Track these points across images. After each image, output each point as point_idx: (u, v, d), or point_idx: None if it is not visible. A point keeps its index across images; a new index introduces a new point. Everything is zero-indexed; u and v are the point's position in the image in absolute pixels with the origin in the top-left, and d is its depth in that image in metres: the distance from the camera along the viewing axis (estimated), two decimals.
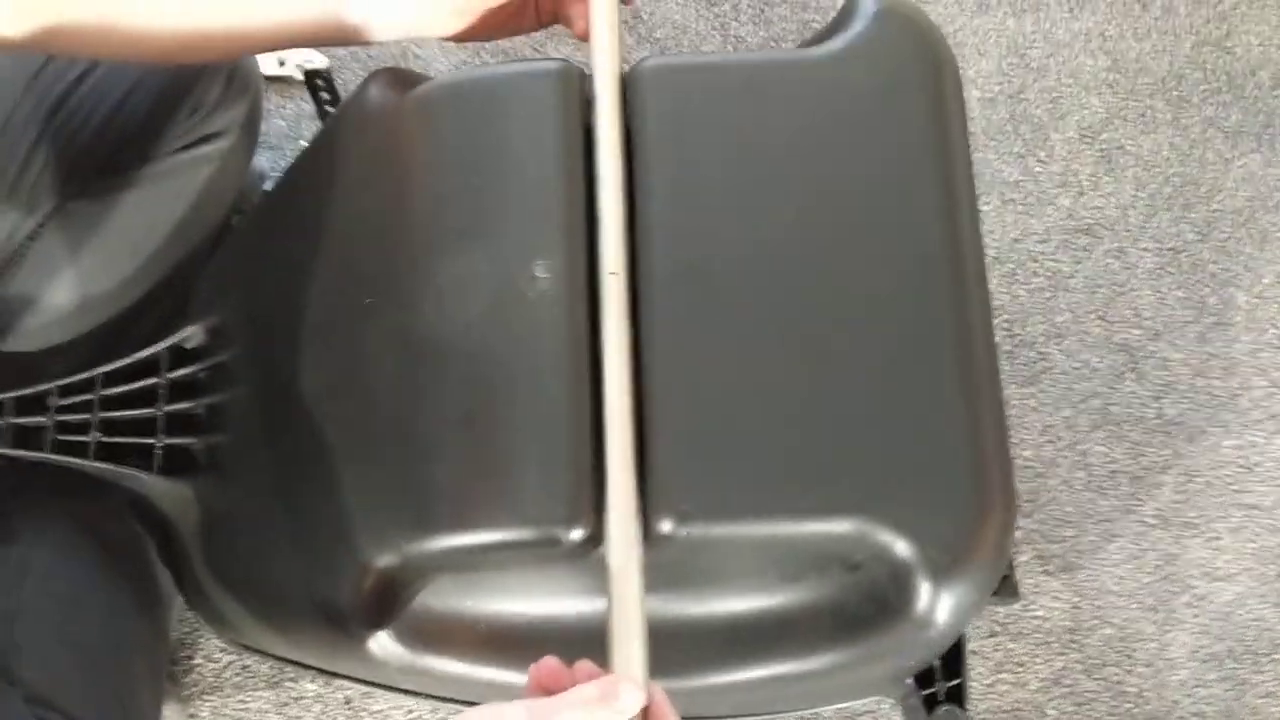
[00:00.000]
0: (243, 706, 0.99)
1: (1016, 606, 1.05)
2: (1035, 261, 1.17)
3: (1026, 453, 1.10)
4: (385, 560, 0.68)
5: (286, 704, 0.99)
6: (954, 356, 0.68)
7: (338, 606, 0.71)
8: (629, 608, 0.60)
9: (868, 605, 0.70)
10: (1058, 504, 1.08)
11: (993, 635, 1.04)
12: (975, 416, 0.67)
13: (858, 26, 0.74)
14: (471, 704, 0.74)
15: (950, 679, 0.88)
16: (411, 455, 0.69)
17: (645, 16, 1.24)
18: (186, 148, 0.92)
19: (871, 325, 0.68)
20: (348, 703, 1.00)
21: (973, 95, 1.22)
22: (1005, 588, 0.96)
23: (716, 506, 0.65)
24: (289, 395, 0.78)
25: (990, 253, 1.16)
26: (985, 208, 1.18)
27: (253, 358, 0.83)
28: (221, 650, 1.00)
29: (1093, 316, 1.15)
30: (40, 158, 0.88)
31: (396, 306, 0.72)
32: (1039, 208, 1.19)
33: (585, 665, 0.58)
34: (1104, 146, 1.21)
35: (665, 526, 0.64)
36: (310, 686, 1.00)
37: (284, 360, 0.79)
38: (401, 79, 0.80)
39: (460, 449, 0.68)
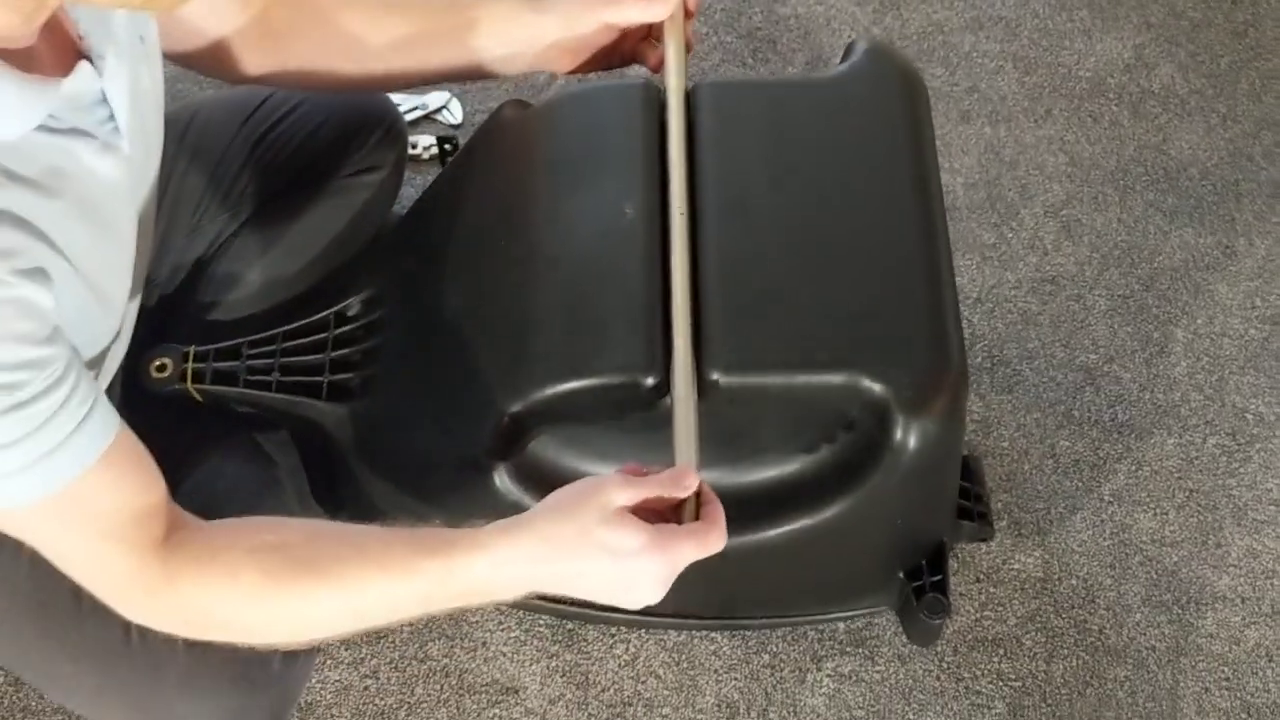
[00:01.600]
0: None
1: (998, 559, 1.27)
2: (1009, 302, 1.44)
3: (1004, 444, 1.35)
4: (514, 405, 0.95)
5: None
6: (922, 267, 0.96)
7: (473, 451, 0.97)
8: (687, 425, 0.86)
9: (862, 454, 0.95)
10: (1030, 484, 1.33)
11: (978, 581, 1.27)
12: (938, 307, 0.94)
13: (855, 59, 1.05)
14: None
15: (934, 575, 1.11)
16: (532, 334, 0.96)
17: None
18: (352, 175, 1.23)
19: (862, 245, 0.97)
20: (452, 618, 1.23)
21: (957, 181, 1.53)
22: (983, 528, 1.21)
23: (749, 362, 0.92)
24: (430, 319, 1.06)
25: (973, 295, 1.44)
26: (968, 262, 1.46)
27: (399, 311, 1.12)
28: None
29: (1057, 344, 1.42)
30: (245, 176, 1.19)
31: (524, 241, 1.01)
32: (1012, 263, 1.47)
33: (657, 468, 0.83)
34: (1064, 220, 1.51)
35: (713, 374, 0.91)
36: None
37: (426, 299, 1.08)
38: (522, 104, 1.11)
39: (569, 326, 0.96)
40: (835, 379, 0.91)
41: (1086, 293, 1.46)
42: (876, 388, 0.91)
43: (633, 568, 0.78)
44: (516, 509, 0.99)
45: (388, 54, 1.06)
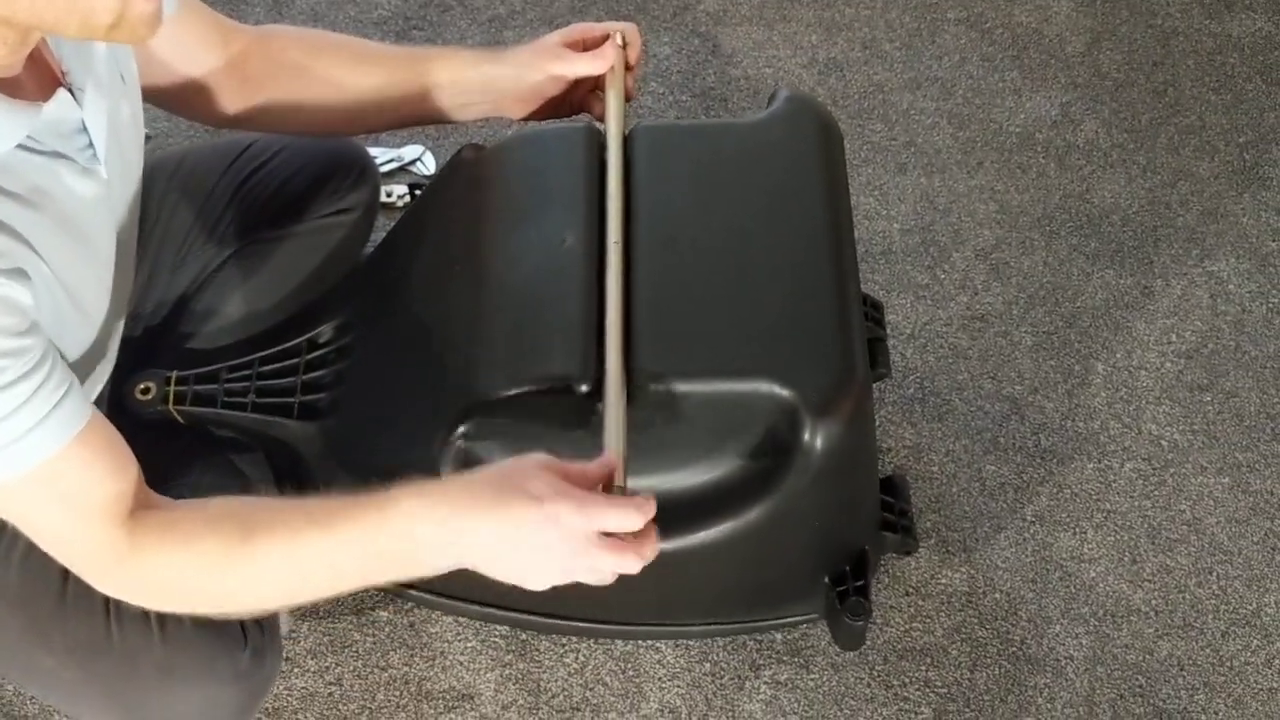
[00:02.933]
0: (332, 626, 1.31)
1: (926, 574, 1.36)
2: (941, 338, 1.55)
3: (934, 468, 1.44)
4: (464, 410, 1.03)
5: (364, 626, 1.31)
6: (831, 290, 1.06)
7: (428, 455, 1.06)
8: (616, 423, 0.96)
9: (777, 458, 1.04)
10: (958, 505, 1.42)
11: (907, 595, 1.35)
12: (844, 324, 1.04)
13: (776, 105, 1.16)
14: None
15: (857, 580, 1.20)
16: (481, 349, 1.06)
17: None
18: (328, 216, 1.33)
19: (777, 270, 1.07)
20: (411, 625, 1.31)
21: (894, 226, 1.64)
22: (906, 540, 1.29)
23: (673, 370, 1.01)
24: (392, 341, 1.16)
25: (905, 330, 1.54)
26: (902, 301, 1.57)
27: (365, 335, 1.22)
28: None
29: (985, 377, 1.52)
30: (229, 215, 1.29)
31: (476, 268, 1.11)
32: (944, 302, 1.58)
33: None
34: (993, 263, 1.61)
35: (641, 381, 1.01)
36: (383, 614, 1.32)
37: (389, 324, 1.18)
38: (478, 148, 1.22)
39: (514, 341, 1.05)
40: (750, 385, 1.01)
41: (1013, 329, 1.56)
42: (786, 393, 1.00)
43: (548, 517, 0.82)
44: None
45: (355, 101, 1.17)
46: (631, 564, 0.85)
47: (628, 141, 1.14)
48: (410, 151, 1.69)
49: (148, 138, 1.71)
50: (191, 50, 1.07)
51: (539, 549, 0.84)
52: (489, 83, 1.15)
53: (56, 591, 1.05)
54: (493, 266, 1.11)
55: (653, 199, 1.10)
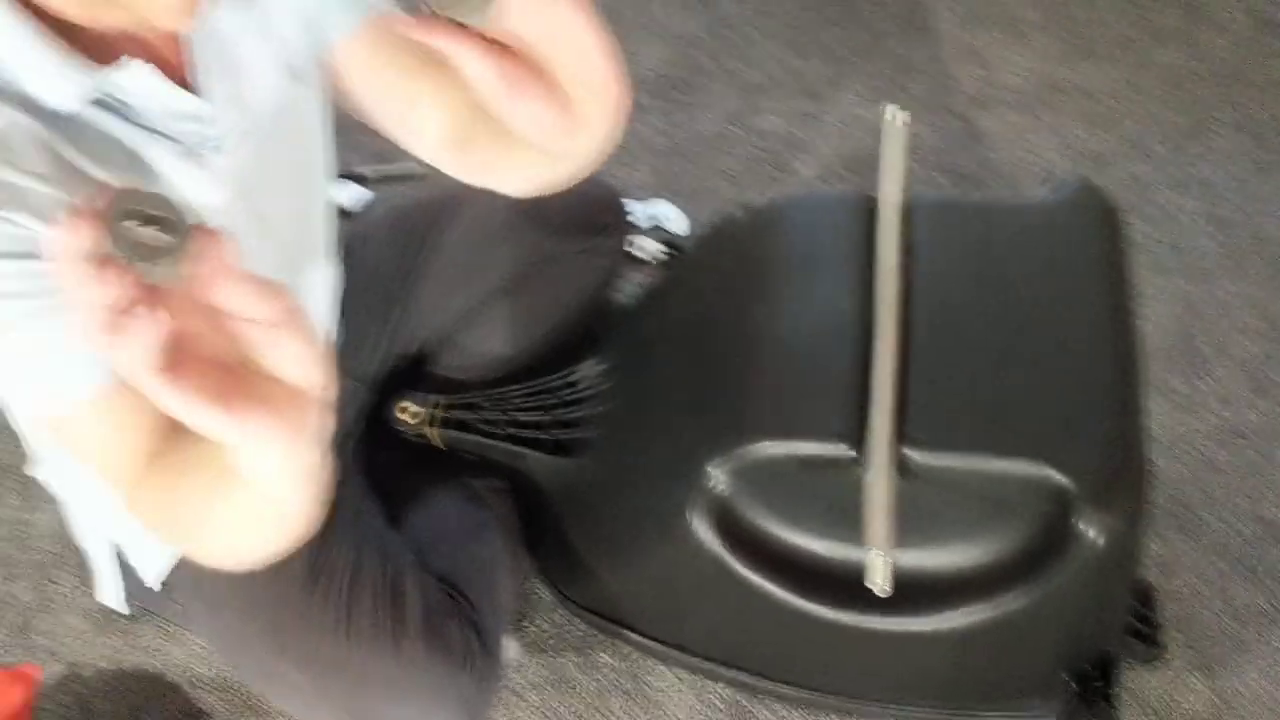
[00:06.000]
0: (554, 661, 1.32)
1: (1166, 696, 1.29)
2: (1196, 450, 1.48)
3: (1181, 585, 1.37)
4: (720, 459, 1.04)
5: (587, 667, 1.32)
6: (1113, 379, 1.03)
7: (678, 502, 1.06)
8: (881, 498, 0.94)
9: (1045, 546, 1.01)
10: (1204, 626, 1.34)
11: (1145, 715, 1.28)
12: (1125, 414, 1.01)
13: (1062, 189, 1.14)
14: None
15: (1102, 682, 1.14)
16: (743, 401, 1.06)
17: None
18: (585, 250, 1.36)
19: (1058, 354, 1.04)
20: (633, 674, 1.31)
21: (1149, 328, 1.58)
22: (1151, 649, 1.23)
23: (943, 442, 0.99)
24: (651, 387, 1.17)
25: (1158, 438, 1.47)
26: (1156, 407, 1.50)
27: (624, 380, 1.24)
28: (545, 619, 1.34)
29: (1240, 495, 1.44)
30: (496, 250, 1.33)
31: (743, 323, 1.12)
32: (1200, 412, 1.51)
33: None
34: (1257, 377, 1.54)
35: (909, 451, 0.99)
36: (606, 657, 1.32)
37: (649, 370, 1.20)
38: (751, 208, 1.23)
39: (777, 399, 1.05)
40: (1024, 467, 0.98)
41: (1275, 449, 1.48)
42: (1063, 479, 0.97)
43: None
44: (714, 562, 1.09)
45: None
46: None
47: (908, 212, 1.13)
48: (659, 208, 1.71)
49: (417, 176, 1.80)
50: (431, 146, 1.00)
51: None
52: None
53: (300, 602, 1.08)
54: (760, 324, 1.11)
55: (931, 272, 1.09)
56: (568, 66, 0.66)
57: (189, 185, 0.86)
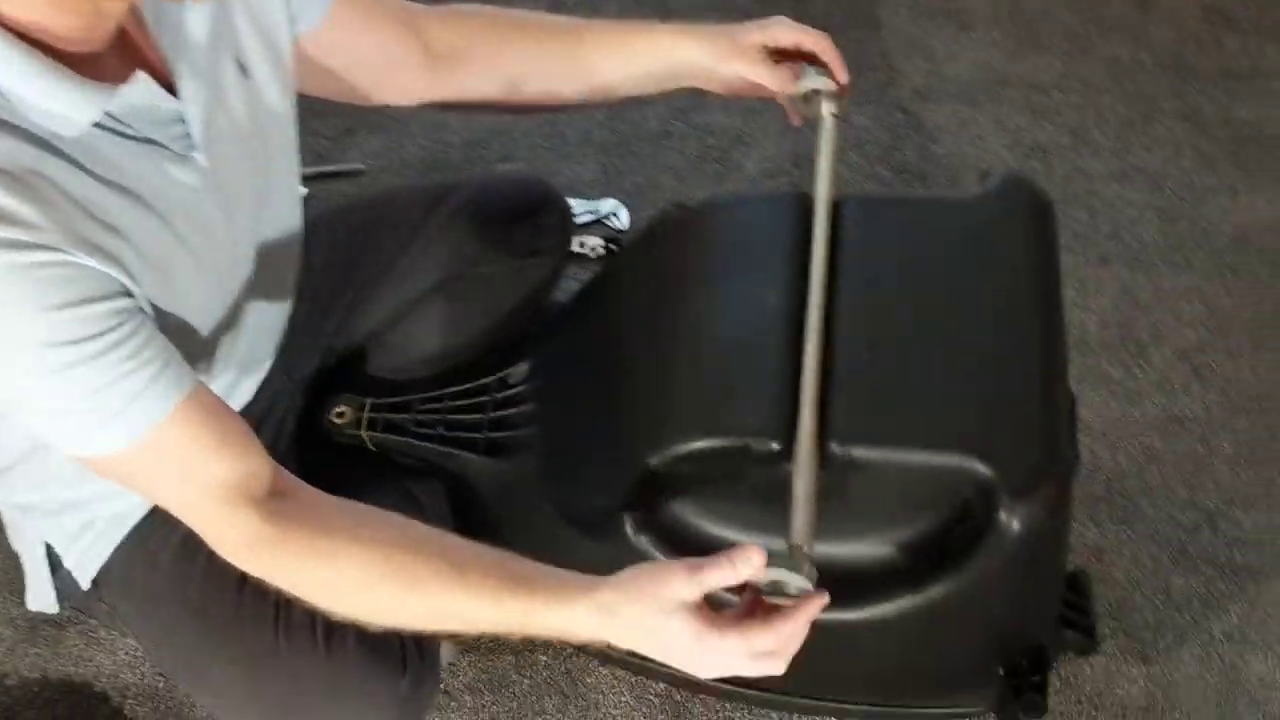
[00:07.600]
0: (491, 663, 1.32)
1: (1102, 684, 1.29)
2: (1134, 438, 1.48)
3: (1117, 573, 1.38)
4: (651, 459, 1.03)
5: (523, 667, 1.31)
6: (1038, 371, 1.03)
7: (610, 503, 1.06)
8: (805, 492, 0.94)
9: (968, 536, 1.01)
10: (1140, 613, 1.35)
11: (1079, 703, 1.29)
12: (1050, 406, 1.01)
13: (992, 184, 1.14)
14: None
15: (1034, 675, 1.15)
16: (672, 399, 1.06)
17: None
18: (525, 255, 1.35)
19: (984, 347, 1.05)
20: (569, 674, 1.31)
21: (1091, 318, 1.59)
22: (1086, 640, 1.24)
23: (867, 436, 0.99)
24: (582, 386, 1.17)
25: (1095, 427, 1.49)
26: (1095, 396, 1.51)
27: (556, 379, 1.23)
28: None
29: (1178, 483, 1.45)
30: (432, 249, 1.32)
31: (673, 320, 1.12)
32: (1139, 401, 1.52)
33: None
34: (1196, 365, 1.55)
35: (834, 445, 0.99)
36: (543, 657, 1.32)
37: (580, 369, 1.19)
38: (684, 207, 1.23)
39: (705, 397, 1.05)
40: (947, 459, 0.98)
41: (1212, 436, 1.49)
42: (985, 470, 0.97)
43: (683, 657, 0.87)
44: (644, 560, 1.08)
45: (547, 76, 1.16)
46: (776, 667, 0.88)
47: (837, 210, 1.13)
48: (606, 205, 1.71)
49: (359, 173, 1.79)
50: (381, 36, 1.09)
51: (683, 665, 0.89)
52: (684, 66, 1.14)
53: (233, 601, 1.08)
54: (691, 322, 1.11)
55: (860, 269, 1.09)
56: None
57: (187, 187, 0.90)
